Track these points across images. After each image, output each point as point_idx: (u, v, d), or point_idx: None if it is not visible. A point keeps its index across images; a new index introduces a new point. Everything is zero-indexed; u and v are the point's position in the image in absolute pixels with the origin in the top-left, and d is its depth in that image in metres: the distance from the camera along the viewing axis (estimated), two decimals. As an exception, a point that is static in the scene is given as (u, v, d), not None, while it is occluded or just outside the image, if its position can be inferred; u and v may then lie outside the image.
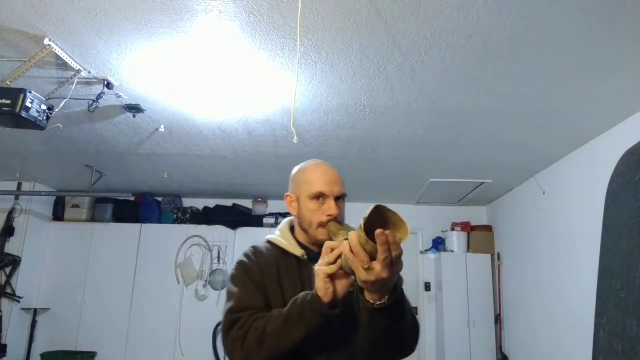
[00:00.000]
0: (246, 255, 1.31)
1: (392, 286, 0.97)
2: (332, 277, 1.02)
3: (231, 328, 1.13)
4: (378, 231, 0.86)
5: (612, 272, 0.69)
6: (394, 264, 0.90)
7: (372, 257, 0.90)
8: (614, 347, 0.65)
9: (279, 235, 1.34)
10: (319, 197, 1.24)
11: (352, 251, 0.92)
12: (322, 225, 1.23)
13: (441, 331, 5.53)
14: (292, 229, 1.36)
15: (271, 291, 1.22)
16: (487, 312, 5.52)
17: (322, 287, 1.02)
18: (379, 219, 0.92)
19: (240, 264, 1.29)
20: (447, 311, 5.51)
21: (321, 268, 1.01)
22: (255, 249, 1.33)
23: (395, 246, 0.89)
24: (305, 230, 1.28)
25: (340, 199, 1.27)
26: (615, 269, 0.68)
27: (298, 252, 1.27)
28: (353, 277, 1.01)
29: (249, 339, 1.09)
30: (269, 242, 1.34)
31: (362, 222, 0.90)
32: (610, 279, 0.69)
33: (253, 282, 1.22)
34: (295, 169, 1.36)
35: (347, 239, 0.95)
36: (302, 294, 1.09)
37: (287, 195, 1.33)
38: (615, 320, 0.66)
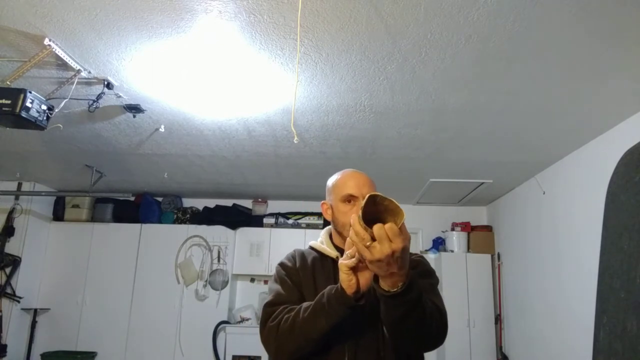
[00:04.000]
0: (287, 257, 1.45)
1: (404, 272, 1.01)
2: (354, 270, 1.08)
3: (267, 320, 1.24)
4: (375, 227, 0.95)
5: (612, 272, 0.69)
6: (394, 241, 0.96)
7: (374, 239, 0.97)
8: (614, 347, 0.65)
9: (319, 241, 1.46)
10: (349, 199, 1.34)
11: (354, 233, 0.98)
12: None
13: (441, 331, 5.53)
14: (331, 235, 1.47)
15: (306, 288, 1.32)
16: (487, 312, 5.52)
17: (345, 280, 1.09)
18: (376, 208, 0.99)
19: (281, 264, 1.42)
20: (447, 311, 5.47)
21: (343, 262, 1.08)
22: (296, 252, 1.46)
23: (394, 233, 0.95)
24: (339, 233, 1.37)
25: None
26: (615, 268, 0.68)
27: (333, 254, 1.37)
28: None
29: (281, 329, 1.18)
30: (310, 247, 1.47)
31: (360, 211, 0.97)
32: (610, 279, 0.69)
33: (290, 280, 1.34)
34: (329, 179, 1.47)
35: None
36: (329, 287, 1.16)
37: (323, 203, 1.45)
38: (615, 320, 0.66)
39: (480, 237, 5.86)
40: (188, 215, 5.92)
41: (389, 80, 2.70)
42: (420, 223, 6.16)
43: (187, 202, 6.20)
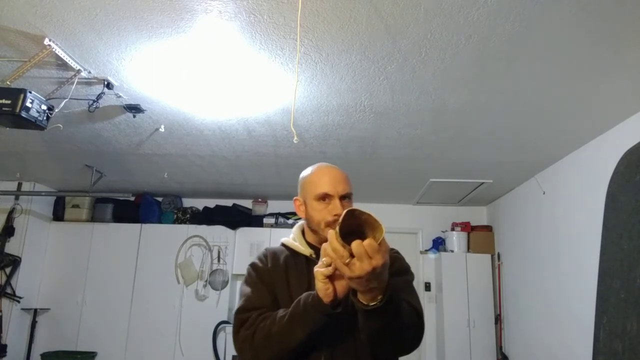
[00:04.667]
0: (258, 257, 1.38)
1: (383, 285, 0.99)
2: (331, 278, 1.04)
3: (240, 327, 1.19)
4: (353, 244, 0.91)
5: (612, 272, 0.69)
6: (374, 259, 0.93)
7: (353, 255, 0.93)
8: (614, 347, 0.65)
9: (291, 237, 1.40)
10: (324, 197, 1.28)
11: (332, 250, 0.95)
12: (329, 224, 1.26)
13: (441, 331, 5.53)
14: (303, 231, 1.41)
15: (279, 290, 1.27)
16: (487, 312, 5.52)
17: (321, 288, 1.05)
18: (354, 221, 0.96)
19: (251, 265, 1.35)
20: (447, 311, 5.51)
21: (319, 270, 1.03)
22: (267, 251, 1.39)
23: (373, 250, 0.91)
24: (314, 231, 1.32)
25: (345, 198, 1.30)
26: (615, 269, 0.68)
27: (307, 252, 1.32)
28: None
29: (256, 338, 1.14)
30: (282, 244, 1.41)
31: (336, 228, 0.94)
32: (610, 279, 0.69)
33: (262, 282, 1.28)
34: (301, 174, 1.40)
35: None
36: (305, 294, 1.12)
37: (295, 199, 1.39)
38: (615, 320, 0.66)
39: (480, 237, 5.86)
40: (188, 215, 5.92)
41: (389, 80, 2.70)
42: (420, 223, 6.16)
43: (187, 202, 6.20)
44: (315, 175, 1.34)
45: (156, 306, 5.51)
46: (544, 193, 4.43)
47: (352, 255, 0.92)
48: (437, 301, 5.82)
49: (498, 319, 5.50)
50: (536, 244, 4.62)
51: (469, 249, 5.84)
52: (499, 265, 5.63)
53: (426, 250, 6.08)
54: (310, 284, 1.22)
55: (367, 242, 0.92)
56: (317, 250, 1.31)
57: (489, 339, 5.44)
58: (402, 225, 6.13)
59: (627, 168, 0.71)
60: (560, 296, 4.06)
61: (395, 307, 1.04)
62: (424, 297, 5.95)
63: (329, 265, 1.01)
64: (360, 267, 0.92)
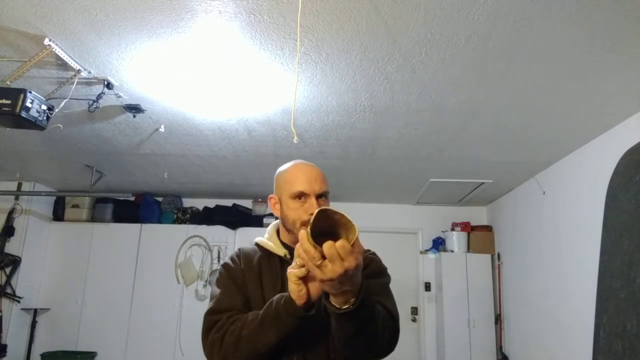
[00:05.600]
0: (230, 257, 1.33)
1: (356, 288, 0.96)
2: (304, 280, 1.01)
3: (209, 330, 1.15)
4: (325, 245, 0.88)
5: (612, 272, 0.69)
6: (346, 260, 0.90)
7: (324, 257, 0.90)
8: (614, 347, 0.65)
9: (266, 237, 1.36)
10: (300, 196, 1.25)
11: (303, 251, 0.92)
12: (304, 224, 1.23)
13: (441, 331, 5.53)
14: (278, 231, 1.37)
15: (251, 291, 1.23)
16: (487, 312, 5.52)
17: (294, 290, 1.02)
18: (327, 222, 0.93)
19: (223, 266, 1.31)
20: (447, 311, 5.50)
21: (292, 271, 1.01)
22: (240, 251, 1.35)
23: (345, 252, 0.89)
24: (289, 230, 1.28)
25: (322, 196, 1.27)
26: (615, 269, 0.68)
27: (281, 252, 1.29)
28: None
29: (225, 341, 1.10)
30: (255, 244, 1.37)
31: (308, 228, 0.91)
32: (610, 279, 0.69)
33: (234, 283, 1.24)
34: (277, 171, 1.37)
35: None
36: (277, 296, 1.09)
37: (271, 197, 1.35)
38: (615, 320, 0.66)
39: (480, 237, 5.86)
40: (188, 215, 5.92)
41: (389, 80, 2.70)
42: (420, 223, 6.16)
43: (187, 202, 6.20)
44: (291, 173, 1.29)
45: (156, 306, 5.51)
46: (544, 193, 4.43)
47: (323, 257, 0.89)
48: (437, 301, 5.82)
49: (498, 319, 5.50)
50: (536, 244, 4.62)
51: (469, 249, 5.84)
52: (499, 265, 5.63)
53: (426, 250, 6.08)
54: (283, 285, 1.20)
55: (339, 243, 0.88)
56: (291, 250, 1.27)
57: (489, 339, 5.43)
58: (402, 225, 6.13)
59: (627, 168, 0.71)
60: (560, 296, 4.05)
61: (369, 311, 1.02)
62: (423, 297, 5.96)
63: (303, 266, 0.98)
64: (332, 269, 0.89)
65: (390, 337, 1.12)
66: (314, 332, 1.14)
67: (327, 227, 0.92)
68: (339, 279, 0.90)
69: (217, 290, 1.24)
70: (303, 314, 1.03)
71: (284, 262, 1.27)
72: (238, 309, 1.18)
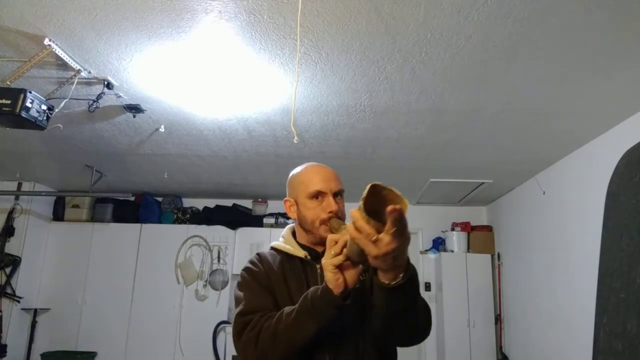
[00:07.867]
0: (251, 261, 1.33)
1: (404, 263, 0.96)
2: (340, 268, 1.03)
3: (242, 330, 1.13)
4: (389, 208, 0.84)
5: (612, 272, 0.69)
6: (401, 233, 0.89)
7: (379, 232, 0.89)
8: (614, 347, 0.65)
9: (281, 241, 1.37)
10: (317, 195, 1.27)
11: (356, 229, 0.90)
12: (324, 222, 1.25)
13: (441, 331, 5.53)
14: (294, 233, 1.38)
15: (278, 292, 1.23)
16: (487, 312, 5.52)
17: (331, 279, 1.02)
18: (376, 198, 0.91)
19: (245, 270, 1.31)
20: (447, 311, 5.51)
21: (328, 260, 1.02)
22: (260, 256, 1.35)
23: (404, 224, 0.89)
24: (307, 231, 1.30)
25: (338, 195, 1.29)
26: (615, 269, 0.68)
27: (301, 253, 1.29)
28: (361, 265, 1.03)
29: (261, 338, 1.09)
30: (272, 248, 1.37)
31: (361, 203, 0.89)
32: (610, 279, 0.69)
33: (260, 285, 1.24)
34: (290, 174, 1.38)
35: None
36: (312, 288, 1.09)
37: (286, 200, 1.36)
38: (615, 320, 0.66)
39: (480, 237, 5.86)
40: (188, 215, 5.92)
41: (389, 80, 2.70)
42: (420, 223, 6.16)
43: (187, 202, 6.20)
44: (306, 174, 1.32)
45: (156, 306, 5.51)
46: (544, 193, 4.43)
47: (378, 232, 0.89)
48: (437, 301, 5.82)
49: (498, 319, 5.50)
50: (536, 244, 4.62)
51: (469, 249, 5.84)
52: (499, 265, 5.63)
53: (426, 250, 6.08)
54: (309, 285, 1.21)
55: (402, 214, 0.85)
56: (310, 251, 1.30)
57: (489, 339, 5.44)
58: (402, 225, 6.12)
59: (627, 168, 0.71)
60: (560, 296, 4.05)
61: (417, 286, 1.02)
62: (424, 297, 5.95)
63: (339, 254, 1.00)
64: (388, 242, 0.87)
65: (427, 322, 1.15)
66: (345, 331, 1.16)
67: (375, 204, 0.89)
68: (394, 252, 0.89)
69: (245, 293, 1.23)
70: (341, 302, 1.04)
71: (305, 264, 1.28)
72: (269, 308, 1.18)
